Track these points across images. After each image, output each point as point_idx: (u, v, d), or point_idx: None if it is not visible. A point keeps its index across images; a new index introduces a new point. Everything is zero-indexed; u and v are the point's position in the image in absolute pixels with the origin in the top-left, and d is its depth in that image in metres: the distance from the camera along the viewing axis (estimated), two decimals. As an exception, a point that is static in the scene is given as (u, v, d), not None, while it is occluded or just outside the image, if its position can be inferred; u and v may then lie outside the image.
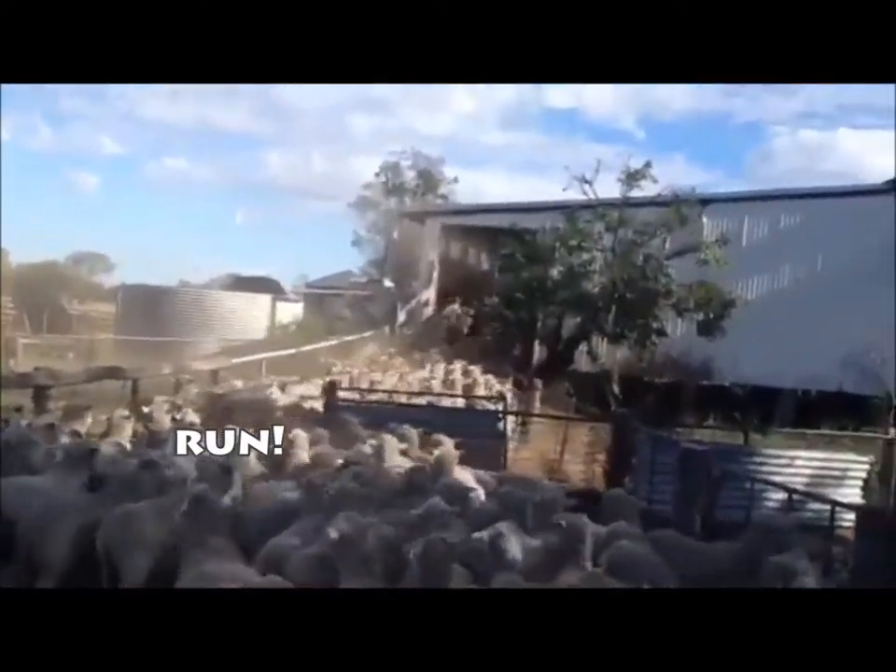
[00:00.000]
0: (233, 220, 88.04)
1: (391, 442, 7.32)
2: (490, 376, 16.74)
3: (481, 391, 14.79)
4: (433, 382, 14.97)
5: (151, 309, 29.75)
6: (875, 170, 70.65)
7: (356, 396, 11.75)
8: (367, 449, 7.36)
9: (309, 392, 11.55)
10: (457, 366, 17.01)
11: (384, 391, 12.92)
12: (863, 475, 10.43)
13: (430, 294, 27.12)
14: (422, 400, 12.32)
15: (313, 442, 7.54)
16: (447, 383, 15.12)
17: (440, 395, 13.30)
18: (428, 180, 51.58)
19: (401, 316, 24.99)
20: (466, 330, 23.91)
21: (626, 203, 21.80)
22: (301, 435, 7.49)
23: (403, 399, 12.37)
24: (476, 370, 16.89)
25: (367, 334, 22.42)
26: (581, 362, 22.29)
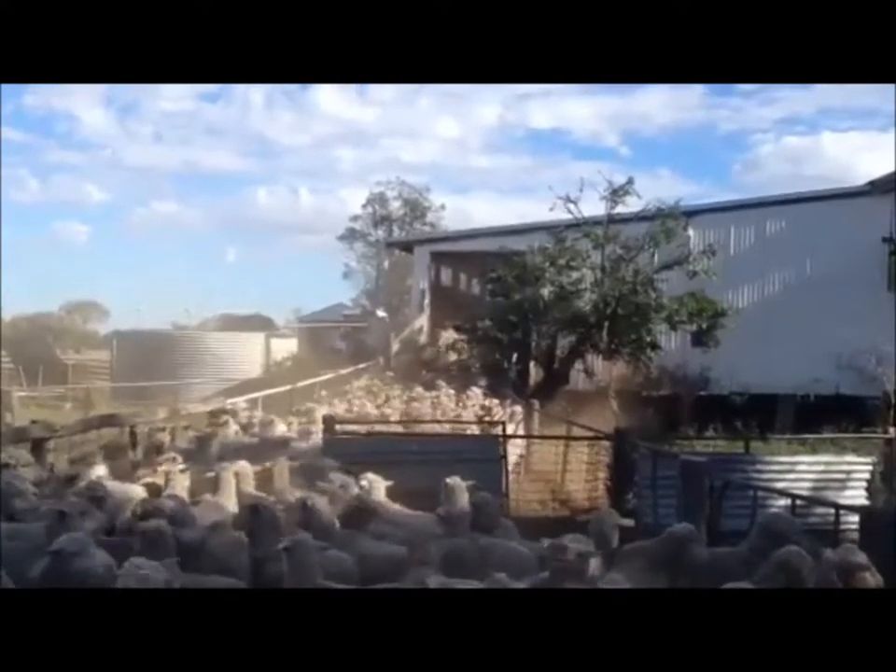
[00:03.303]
0: (224, 260, 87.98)
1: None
2: (488, 400, 16.71)
3: (477, 416, 14.76)
4: (431, 410, 14.95)
5: (147, 354, 29.76)
6: (861, 171, 71.22)
7: (355, 428, 11.70)
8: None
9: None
10: (454, 392, 17.00)
11: (382, 421, 12.89)
12: (867, 476, 10.42)
13: (423, 321, 27.14)
14: (420, 429, 12.30)
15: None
16: (445, 410, 15.10)
17: (437, 422, 13.28)
18: (415, 209, 51.89)
19: (396, 345, 24.96)
20: (461, 356, 23.86)
21: (612, 220, 21.93)
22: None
23: (401, 429, 12.34)
24: (474, 395, 16.87)
25: (362, 365, 22.39)
26: (578, 381, 22.29)
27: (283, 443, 9.81)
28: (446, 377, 19.94)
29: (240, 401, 14.14)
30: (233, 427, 10.94)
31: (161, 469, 7.63)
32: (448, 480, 7.33)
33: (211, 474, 7.45)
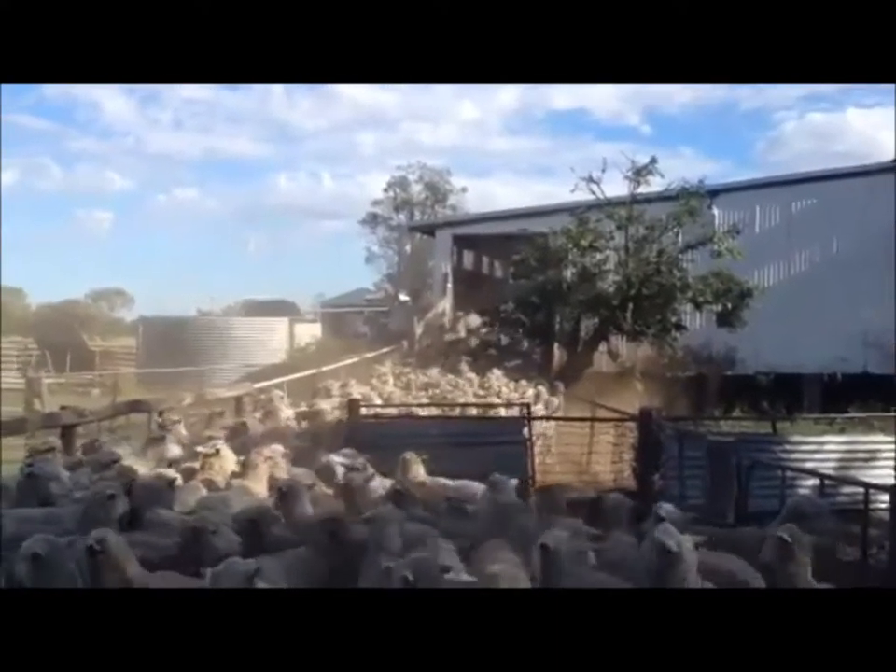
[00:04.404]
0: (246, 246, 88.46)
1: None
2: (512, 383, 16.71)
3: (501, 398, 14.77)
4: (455, 393, 14.98)
5: (172, 340, 29.96)
6: (888, 147, 70.10)
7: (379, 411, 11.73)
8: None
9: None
10: (477, 375, 17.01)
11: (406, 405, 12.92)
12: (894, 455, 10.32)
13: (446, 305, 27.12)
14: (444, 412, 12.34)
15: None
16: (468, 393, 15.12)
17: (461, 405, 13.30)
18: (436, 192, 51.82)
19: (419, 329, 24.98)
20: (484, 340, 23.86)
21: (635, 200, 21.78)
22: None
23: (426, 412, 12.37)
24: (497, 378, 16.88)
25: (386, 350, 22.42)
26: (602, 362, 22.23)
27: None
28: (469, 360, 19.95)
29: (271, 387, 14.23)
30: (286, 412, 11.01)
31: (201, 450, 7.69)
32: (405, 454, 7.60)
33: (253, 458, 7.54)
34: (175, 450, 8.03)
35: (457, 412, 12.81)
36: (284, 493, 6.02)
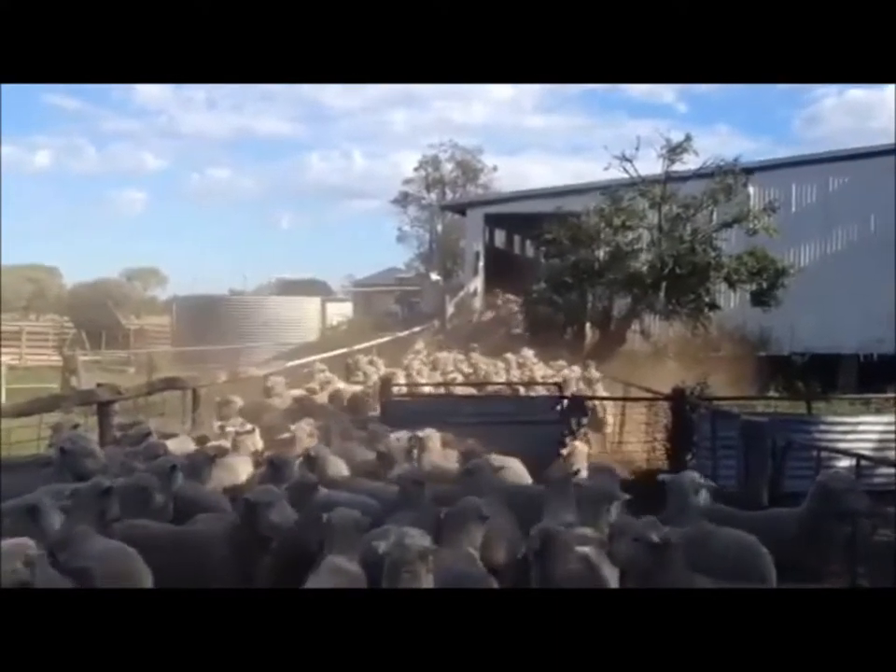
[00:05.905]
0: (278, 225, 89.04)
1: None
2: (543, 362, 16.66)
3: (533, 377, 14.73)
4: (488, 372, 14.96)
5: (205, 319, 30.21)
6: (926, 124, 68.64)
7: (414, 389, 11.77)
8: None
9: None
10: (509, 354, 16.97)
11: (439, 384, 12.94)
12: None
13: (478, 284, 27.08)
14: (478, 391, 12.35)
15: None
16: (501, 372, 15.10)
17: (492, 384, 13.30)
18: (468, 171, 51.72)
19: (450, 309, 24.98)
20: (515, 319, 23.81)
21: (670, 178, 21.56)
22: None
23: (458, 391, 12.39)
24: (529, 357, 16.84)
25: (417, 329, 22.46)
26: (635, 342, 22.11)
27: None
28: (501, 339, 19.91)
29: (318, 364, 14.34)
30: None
31: (231, 430, 7.78)
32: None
33: (286, 435, 7.63)
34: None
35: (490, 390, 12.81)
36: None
